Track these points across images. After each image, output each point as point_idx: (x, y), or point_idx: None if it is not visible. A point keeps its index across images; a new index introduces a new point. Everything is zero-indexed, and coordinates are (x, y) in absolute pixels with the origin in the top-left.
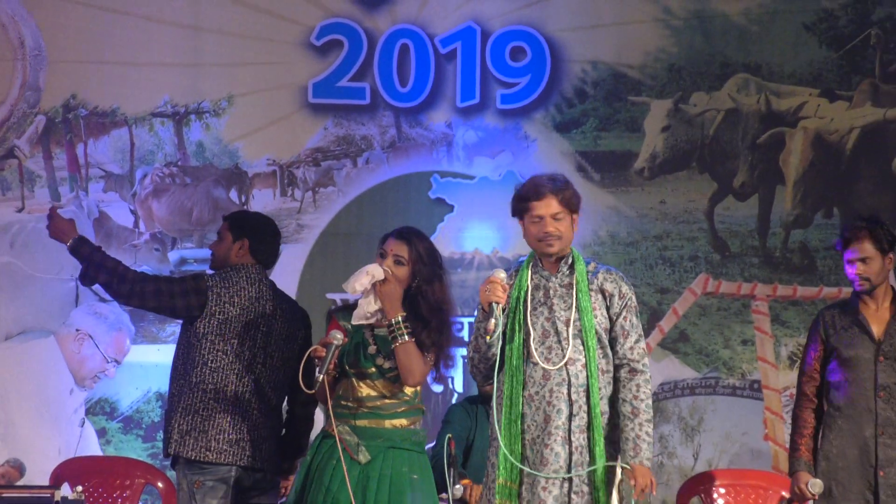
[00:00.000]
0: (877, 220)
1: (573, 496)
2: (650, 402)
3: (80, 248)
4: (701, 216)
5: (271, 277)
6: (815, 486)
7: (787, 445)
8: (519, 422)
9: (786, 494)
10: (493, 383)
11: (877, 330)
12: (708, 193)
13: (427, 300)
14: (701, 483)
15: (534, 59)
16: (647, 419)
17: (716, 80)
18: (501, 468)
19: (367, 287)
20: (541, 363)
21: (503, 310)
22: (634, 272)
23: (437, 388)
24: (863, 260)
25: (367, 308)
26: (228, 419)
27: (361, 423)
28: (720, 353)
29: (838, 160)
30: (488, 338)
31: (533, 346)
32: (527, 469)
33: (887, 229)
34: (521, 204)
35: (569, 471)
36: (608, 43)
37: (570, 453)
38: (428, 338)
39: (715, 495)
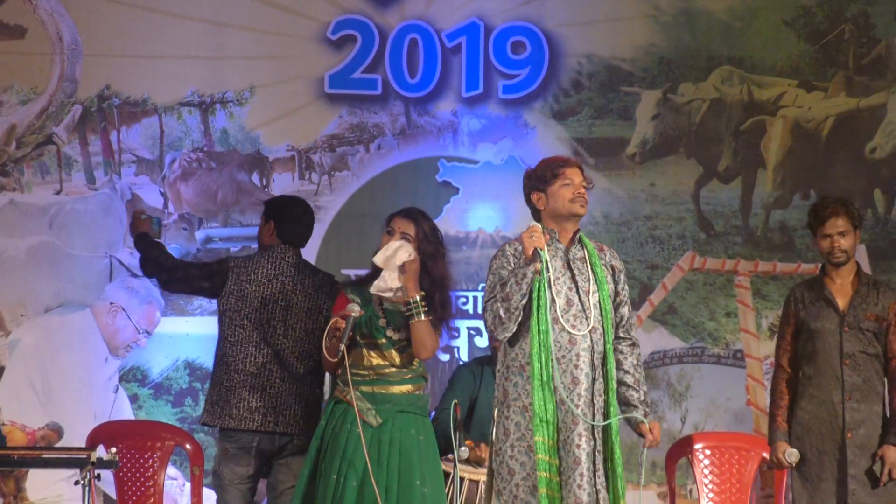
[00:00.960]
0: (848, 200)
1: (597, 454)
2: (635, 341)
3: (139, 244)
4: (688, 198)
5: None
6: (791, 455)
7: (768, 411)
8: (550, 383)
9: (766, 455)
10: (507, 337)
11: (842, 303)
12: (694, 177)
13: (430, 275)
14: (688, 445)
15: (533, 53)
16: (646, 385)
17: (701, 72)
18: (538, 425)
19: (408, 259)
20: (567, 329)
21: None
22: (626, 250)
23: (444, 357)
24: (841, 234)
25: (391, 283)
26: (248, 389)
27: (371, 389)
28: (706, 325)
29: (815, 146)
30: (533, 280)
31: (559, 313)
32: (579, 414)
33: (857, 208)
34: (552, 171)
35: (593, 430)
36: (602, 38)
37: (594, 415)
38: (433, 312)
39: (701, 456)
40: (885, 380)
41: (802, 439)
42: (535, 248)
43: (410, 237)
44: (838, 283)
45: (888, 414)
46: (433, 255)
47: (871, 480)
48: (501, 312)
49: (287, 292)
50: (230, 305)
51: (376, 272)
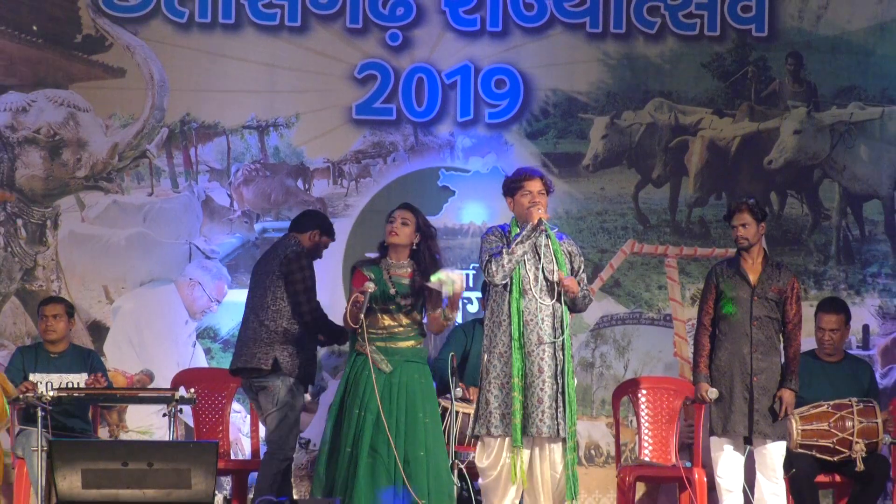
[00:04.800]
0: (754, 198)
1: (558, 395)
2: (587, 294)
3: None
4: (629, 199)
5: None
6: (712, 392)
7: (691, 360)
8: (522, 338)
9: (690, 396)
10: (501, 283)
11: (752, 277)
12: (634, 182)
13: (430, 250)
14: (629, 387)
15: (511, 88)
16: (586, 294)
17: (639, 103)
18: (514, 367)
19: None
20: (537, 298)
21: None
22: (582, 238)
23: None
24: (744, 225)
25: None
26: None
27: (385, 344)
28: (643, 295)
29: (725, 159)
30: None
31: (529, 286)
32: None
33: (761, 206)
34: (516, 184)
35: (555, 373)
36: (563, 76)
37: (556, 367)
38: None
39: (639, 395)
40: (782, 338)
41: (719, 381)
42: (539, 217)
43: (410, 222)
44: (750, 262)
45: (785, 363)
46: (432, 236)
47: (772, 415)
48: (506, 262)
49: (254, 268)
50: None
51: (384, 253)
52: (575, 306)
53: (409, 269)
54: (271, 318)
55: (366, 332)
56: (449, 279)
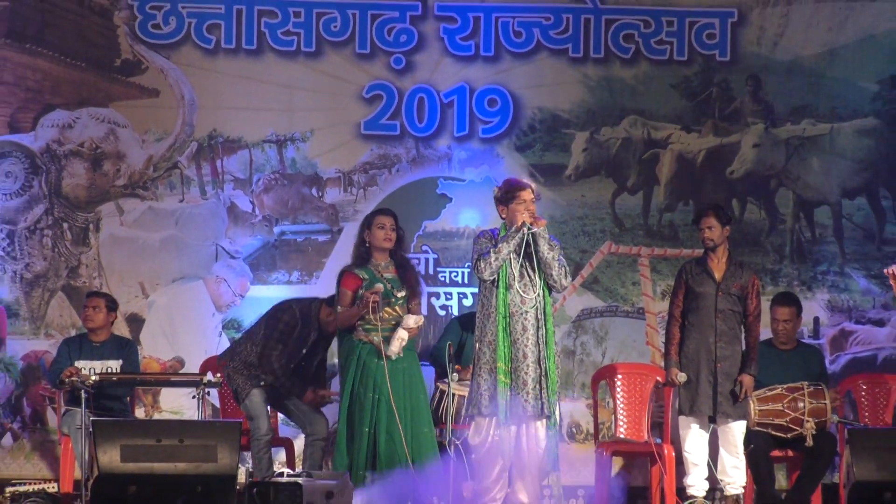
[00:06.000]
0: (719, 205)
1: (541, 378)
2: (562, 265)
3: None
4: (607, 205)
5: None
6: (681, 377)
7: (662, 349)
8: (508, 328)
9: (660, 380)
10: (490, 279)
11: (717, 275)
12: (611, 191)
13: (403, 249)
14: (607, 372)
15: (502, 107)
16: (562, 262)
17: (616, 120)
18: (500, 354)
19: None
20: (521, 293)
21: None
22: (565, 240)
23: (442, 312)
24: (709, 228)
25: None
26: None
27: (388, 334)
28: (619, 290)
29: (692, 170)
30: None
31: (515, 282)
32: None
33: (724, 211)
34: (511, 194)
35: (538, 359)
36: (548, 96)
37: (537, 345)
38: (415, 286)
39: (615, 379)
40: (743, 328)
41: (687, 367)
42: (523, 220)
43: (393, 227)
44: (715, 261)
45: (745, 351)
46: (402, 237)
47: (733, 397)
48: (493, 260)
49: None
50: None
51: (368, 256)
52: (552, 278)
53: (392, 267)
54: None
55: (379, 324)
56: (409, 321)
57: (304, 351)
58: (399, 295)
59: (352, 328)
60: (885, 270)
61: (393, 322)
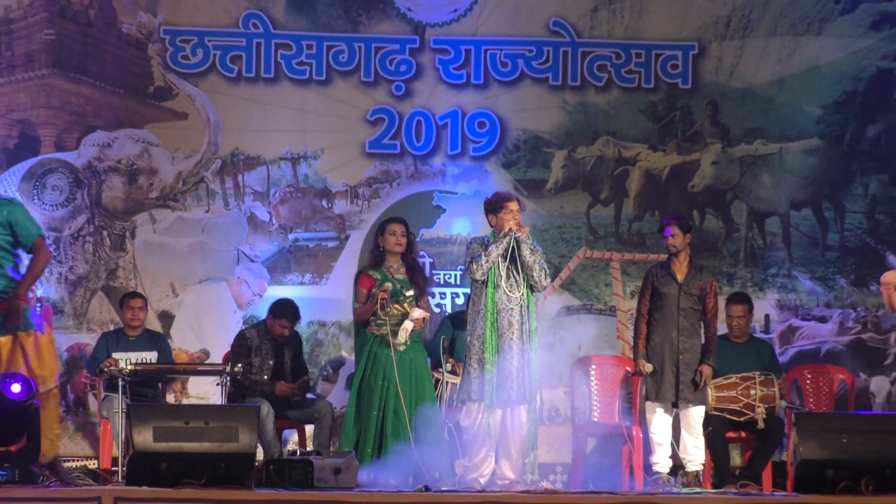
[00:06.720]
0: (680, 215)
1: (524, 367)
2: (543, 268)
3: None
4: (583, 215)
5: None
6: (648, 367)
7: (631, 342)
8: (495, 323)
9: (630, 370)
10: (481, 279)
11: (680, 277)
12: (587, 203)
13: (413, 253)
14: (582, 363)
15: (490, 128)
16: (543, 265)
17: (591, 140)
18: (488, 346)
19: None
20: (507, 292)
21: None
22: (546, 246)
23: (437, 310)
24: (673, 235)
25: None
26: None
27: (395, 328)
28: (593, 291)
29: (658, 184)
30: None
31: (503, 283)
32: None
33: (686, 220)
34: (500, 204)
35: (522, 351)
36: (531, 119)
37: (521, 339)
38: (424, 285)
39: (590, 369)
40: (703, 324)
41: (653, 359)
42: (510, 227)
43: (404, 233)
44: (678, 265)
45: (704, 345)
46: (413, 241)
47: (693, 385)
48: (483, 262)
49: None
50: None
51: (381, 259)
52: (533, 279)
53: (403, 269)
54: None
55: (388, 319)
56: (415, 314)
57: (271, 362)
58: (408, 294)
59: (366, 323)
60: (881, 278)
61: (400, 317)
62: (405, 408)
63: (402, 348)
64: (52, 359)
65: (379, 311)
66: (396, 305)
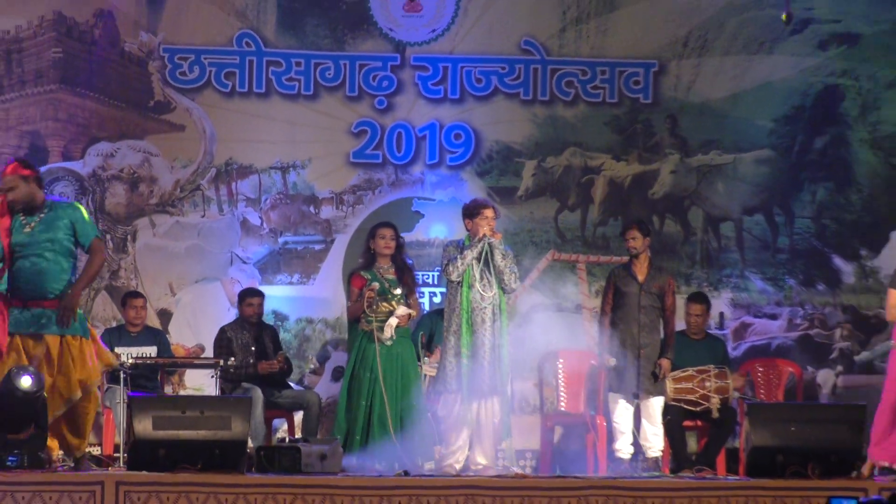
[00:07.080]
0: (641, 220)
1: (496, 362)
2: (513, 271)
3: None
4: (551, 220)
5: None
6: (611, 361)
7: (596, 338)
8: (470, 320)
9: (594, 363)
10: (456, 280)
11: (640, 277)
12: (555, 208)
13: (402, 255)
14: (551, 357)
15: (466, 139)
16: (513, 269)
17: (559, 151)
18: (463, 341)
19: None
20: (481, 291)
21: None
22: (517, 249)
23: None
24: (634, 239)
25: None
26: None
27: (381, 324)
28: (561, 290)
29: (621, 192)
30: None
31: (476, 283)
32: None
33: (646, 225)
34: (476, 210)
35: (494, 346)
36: (503, 131)
37: (493, 335)
38: (412, 284)
39: (558, 362)
40: (662, 321)
41: (616, 353)
42: (485, 233)
43: (395, 237)
44: (638, 266)
45: (664, 340)
46: (403, 244)
47: (653, 378)
48: (459, 264)
49: None
50: None
51: (372, 261)
52: (504, 282)
53: (393, 269)
54: None
55: (375, 317)
56: (399, 311)
57: (253, 348)
58: (395, 292)
59: (357, 320)
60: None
61: (388, 314)
62: (388, 399)
63: (388, 343)
64: (94, 364)
65: (366, 309)
66: (384, 303)
